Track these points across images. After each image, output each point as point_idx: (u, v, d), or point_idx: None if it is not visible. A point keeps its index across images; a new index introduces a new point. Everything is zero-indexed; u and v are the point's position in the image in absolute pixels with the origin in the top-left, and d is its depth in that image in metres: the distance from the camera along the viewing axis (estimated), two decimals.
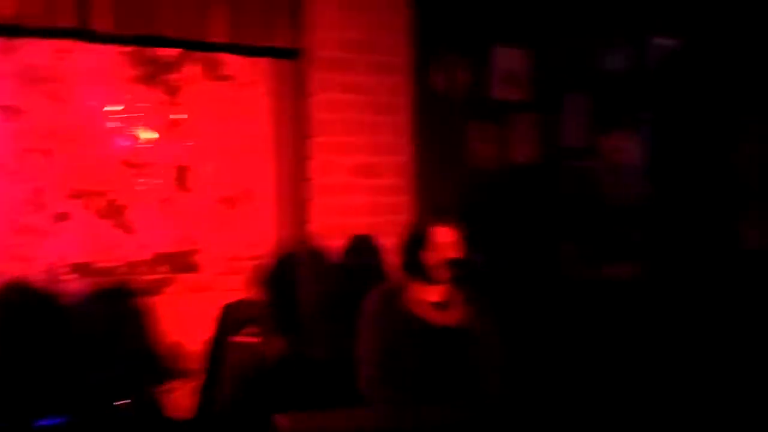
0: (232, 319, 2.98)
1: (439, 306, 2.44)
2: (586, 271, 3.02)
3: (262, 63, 3.22)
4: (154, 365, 2.93)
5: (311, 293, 3.14)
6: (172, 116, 3.07)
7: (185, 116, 3.09)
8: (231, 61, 3.17)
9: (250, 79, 3.21)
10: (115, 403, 2.55)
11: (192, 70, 3.10)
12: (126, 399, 2.61)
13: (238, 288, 3.17)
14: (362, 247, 3.21)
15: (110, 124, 2.97)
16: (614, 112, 3.86)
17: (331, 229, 3.15)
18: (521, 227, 3.58)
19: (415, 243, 2.43)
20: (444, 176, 3.47)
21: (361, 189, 3.22)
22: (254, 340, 2.92)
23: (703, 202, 2.33)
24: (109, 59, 2.95)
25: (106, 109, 2.96)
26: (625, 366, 2.80)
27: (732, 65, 3.68)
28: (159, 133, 3.06)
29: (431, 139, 3.42)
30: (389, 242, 3.28)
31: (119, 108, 2.99)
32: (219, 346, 2.95)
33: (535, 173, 3.68)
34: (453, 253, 2.32)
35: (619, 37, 3.84)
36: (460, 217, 2.45)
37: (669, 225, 2.99)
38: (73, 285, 2.88)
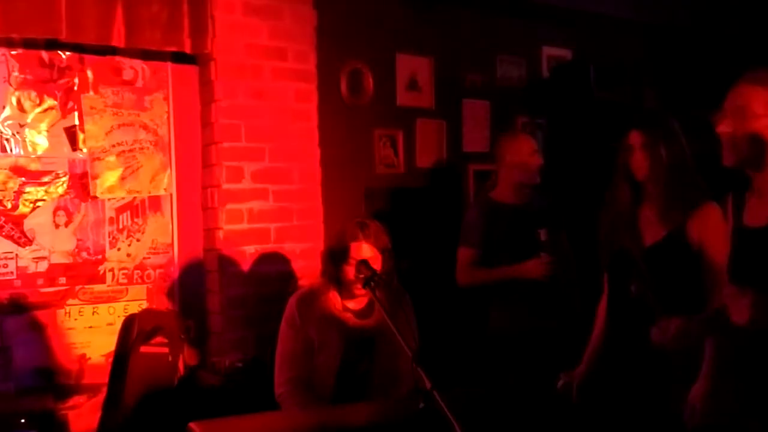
0: (137, 329, 2.89)
1: (360, 314, 2.49)
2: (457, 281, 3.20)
3: (164, 68, 3.16)
4: (56, 381, 2.80)
5: (221, 301, 3.10)
6: (66, 121, 2.95)
7: (82, 121, 2.98)
8: (130, 66, 3.08)
9: (150, 84, 3.14)
10: (19, 422, 2.41)
11: (89, 74, 2.99)
12: (24, 417, 2.47)
13: (145, 297, 3.09)
14: (272, 253, 3.21)
15: (6, 131, 2.82)
16: (512, 118, 4.07)
17: (241, 235, 3.13)
18: (430, 230, 3.70)
19: (335, 256, 2.45)
20: (352, 182, 3.53)
21: (269, 195, 3.22)
22: (162, 350, 2.85)
23: (592, 206, 2.52)
24: None
25: None
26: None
27: (613, 76, 4.00)
28: (53, 139, 2.93)
29: (339, 145, 3.48)
30: (298, 247, 3.32)
31: (9, 113, 2.84)
32: (123, 358, 2.86)
33: (440, 177, 3.81)
34: (367, 270, 2.34)
35: (516, 47, 4.07)
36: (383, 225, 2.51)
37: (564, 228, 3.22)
38: None
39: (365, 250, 2.40)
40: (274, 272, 3.19)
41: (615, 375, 2.38)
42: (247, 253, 3.14)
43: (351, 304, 2.48)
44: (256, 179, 3.18)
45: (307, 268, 3.21)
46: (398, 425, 2.14)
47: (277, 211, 3.23)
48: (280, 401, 2.42)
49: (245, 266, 3.14)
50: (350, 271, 2.38)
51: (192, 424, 2.07)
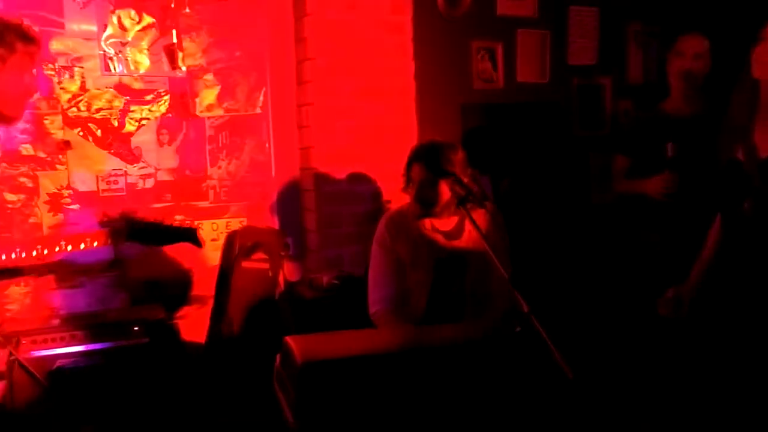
0: (239, 245, 2.99)
1: (449, 235, 2.44)
2: (611, 189, 3.01)
3: None
4: (166, 292, 2.97)
5: (317, 218, 3.14)
6: (165, 40, 2.97)
7: (180, 39, 2.99)
8: None
9: (245, 0, 3.10)
10: (134, 329, 2.58)
11: None
12: (141, 326, 2.65)
13: (245, 214, 3.17)
14: (366, 172, 3.19)
15: (104, 50, 2.89)
16: (624, 26, 3.74)
17: (334, 153, 3.11)
18: (531, 149, 3.54)
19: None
20: (447, 98, 3.40)
21: (363, 112, 3.16)
22: (263, 265, 2.94)
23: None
24: None
25: (98, 33, 2.87)
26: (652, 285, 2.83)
27: None
28: (153, 58, 2.96)
29: (434, 59, 3.33)
30: (392, 165, 3.26)
31: (111, 32, 2.90)
32: (227, 272, 2.98)
33: (543, 93, 3.60)
34: (461, 190, 2.27)
35: None
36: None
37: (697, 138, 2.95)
38: (79, 214, 2.88)
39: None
40: (368, 191, 3.18)
41: (726, 292, 2.23)
42: (341, 172, 3.13)
43: (440, 225, 2.44)
44: (349, 96, 3.12)
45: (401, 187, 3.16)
46: (493, 347, 2.11)
47: (370, 128, 3.17)
48: (374, 320, 2.46)
49: (340, 185, 3.14)
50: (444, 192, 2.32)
51: (288, 338, 2.14)
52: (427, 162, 2.38)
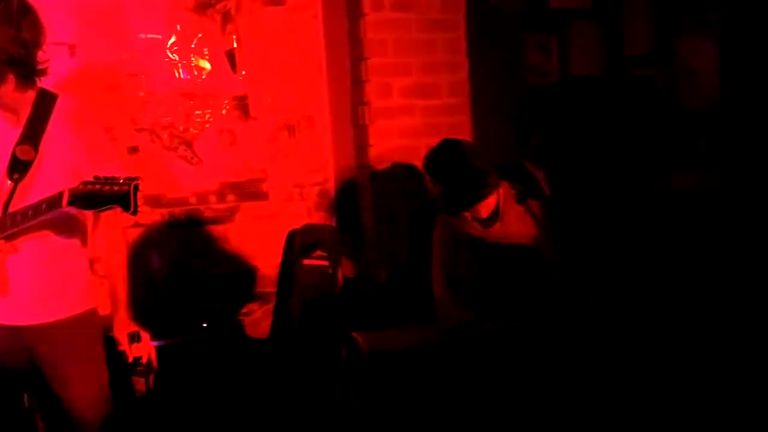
0: (299, 243, 3.06)
1: (488, 222, 2.45)
2: (655, 182, 2.95)
3: None
4: (230, 289, 3.07)
5: (373, 215, 3.19)
6: (226, 45, 3.09)
7: (240, 45, 3.10)
8: None
9: (301, 3, 3.17)
10: (202, 325, 2.69)
11: None
12: (208, 322, 2.75)
13: (304, 213, 3.25)
14: (420, 168, 3.21)
15: (168, 57, 3.01)
16: (680, 14, 3.66)
17: (391, 151, 3.15)
18: (585, 141, 3.50)
19: None
20: (502, 93, 3.40)
21: (417, 110, 3.19)
22: (322, 262, 3.01)
23: None
24: None
25: (162, 40, 2.99)
26: (692, 279, 2.77)
27: None
28: (215, 62, 3.08)
29: (487, 55, 3.34)
30: None
31: (175, 39, 3.02)
32: (288, 269, 3.06)
33: (598, 85, 3.55)
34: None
35: None
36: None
37: (743, 131, 2.87)
38: (147, 216, 3.00)
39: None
40: (425, 188, 3.20)
41: None
42: (397, 169, 3.17)
43: (478, 214, 2.43)
44: (404, 95, 3.16)
45: None
46: (547, 340, 2.12)
47: (425, 126, 3.19)
48: (436, 306, 2.50)
49: (396, 182, 3.18)
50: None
51: (354, 334, 2.20)
52: (466, 197, 2.38)
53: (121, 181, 1.58)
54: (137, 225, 2.92)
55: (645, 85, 3.50)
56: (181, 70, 3.03)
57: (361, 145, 3.24)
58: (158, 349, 2.71)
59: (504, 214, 2.42)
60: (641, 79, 3.57)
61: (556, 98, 3.48)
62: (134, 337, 1.93)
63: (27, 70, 1.77)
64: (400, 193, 3.18)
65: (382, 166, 3.16)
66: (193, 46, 3.03)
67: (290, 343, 2.94)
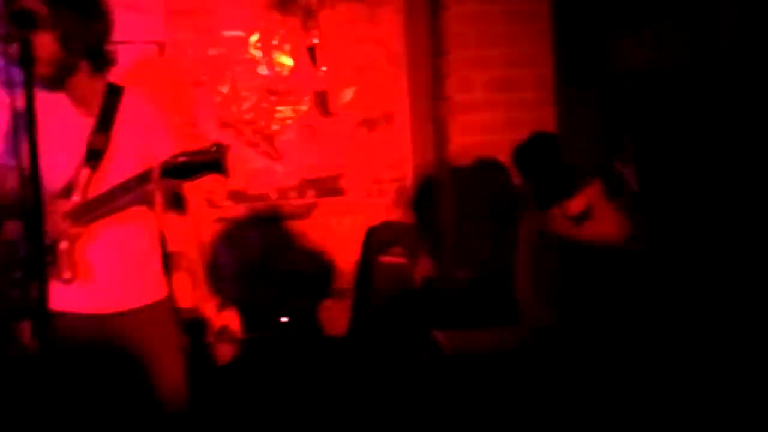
0: (377, 240, 3.04)
1: (578, 219, 2.34)
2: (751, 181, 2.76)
3: None
4: (309, 285, 3.08)
5: (453, 213, 3.13)
6: (307, 41, 3.09)
7: (321, 40, 3.10)
8: None
9: None
10: (281, 320, 2.71)
11: None
12: (287, 317, 2.77)
13: (382, 210, 3.22)
14: (504, 165, 3.13)
15: (251, 53, 3.04)
16: None
17: (472, 147, 3.08)
18: (677, 139, 3.32)
19: None
20: (589, 86, 3.26)
21: (500, 104, 3.10)
22: (400, 260, 2.97)
23: None
24: None
25: (245, 37, 3.03)
26: None
27: None
28: (297, 59, 3.10)
29: (573, 47, 3.21)
30: None
31: (258, 36, 3.05)
32: (366, 266, 3.04)
33: (692, 78, 3.36)
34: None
35: None
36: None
37: None
38: (229, 211, 3.05)
39: None
40: (507, 185, 3.12)
41: None
42: (479, 166, 3.10)
43: (569, 208, 2.33)
44: (486, 89, 3.07)
45: None
46: (641, 345, 2.01)
47: (508, 121, 3.10)
48: (520, 307, 2.42)
49: (478, 179, 3.10)
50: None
51: (436, 332, 2.16)
52: (559, 192, 2.30)
53: (212, 148, 1.61)
54: (220, 220, 2.98)
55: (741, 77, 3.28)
56: (263, 67, 3.06)
57: (441, 141, 3.18)
58: (244, 341, 2.77)
59: (596, 212, 2.33)
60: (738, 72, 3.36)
61: (648, 92, 3.32)
62: (220, 307, 1.96)
63: (99, 62, 1.83)
64: (480, 191, 3.10)
65: (462, 163, 3.09)
66: (275, 42, 3.06)
67: (368, 341, 2.93)
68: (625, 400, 1.94)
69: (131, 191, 1.74)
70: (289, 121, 3.10)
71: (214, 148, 1.61)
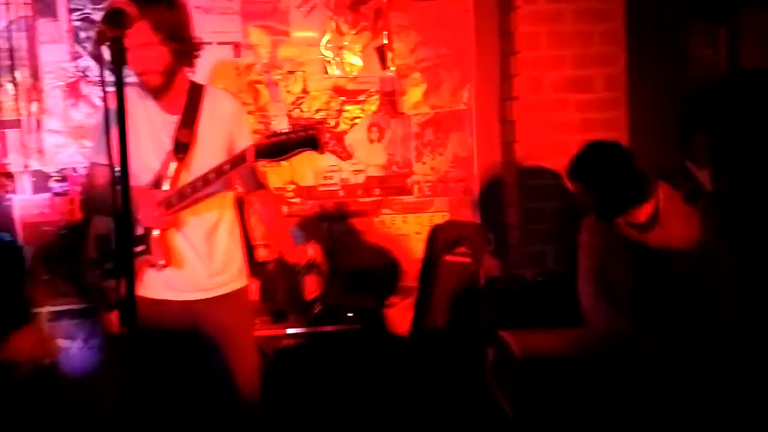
0: (442, 239, 3.05)
1: (645, 227, 2.29)
2: None
3: None
4: (374, 282, 3.12)
5: (519, 214, 3.10)
6: (377, 42, 3.13)
7: (390, 40, 3.13)
8: None
9: None
10: (348, 315, 2.76)
11: None
12: (352, 312, 2.82)
13: (447, 209, 3.23)
14: None
15: (322, 53, 3.11)
16: None
17: (540, 148, 3.05)
18: (756, 139, 3.20)
19: None
20: (663, 87, 3.18)
21: (570, 105, 3.06)
22: (465, 259, 2.97)
23: None
24: None
25: (317, 38, 3.09)
26: None
27: None
28: (366, 59, 3.14)
29: (647, 46, 3.13)
30: None
31: (329, 37, 3.11)
32: (431, 265, 3.06)
33: None
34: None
35: None
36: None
37: None
38: (299, 208, 3.13)
39: None
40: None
41: None
42: (546, 167, 3.07)
43: (634, 217, 2.30)
44: (555, 89, 3.04)
45: None
46: (707, 353, 1.95)
47: (578, 122, 3.05)
48: (584, 315, 2.38)
49: (543, 180, 3.07)
50: None
51: (503, 333, 2.14)
52: (622, 203, 2.25)
53: (307, 127, 1.70)
54: (291, 216, 3.05)
55: None
56: (334, 67, 3.11)
57: (508, 141, 3.16)
58: (310, 335, 2.83)
59: (664, 217, 2.27)
60: None
61: (724, 93, 3.20)
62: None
63: (188, 61, 1.97)
64: (548, 192, 3.06)
65: (529, 163, 3.06)
66: (346, 42, 3.11)
67: (431, 339, 2.94)
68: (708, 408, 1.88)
69: (225, 174, 1.85)
70: (357, 121, 3.15)
71: (311, 126, 1.69)
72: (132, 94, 1.97)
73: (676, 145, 3.14)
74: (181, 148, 1.95)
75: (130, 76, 2.32)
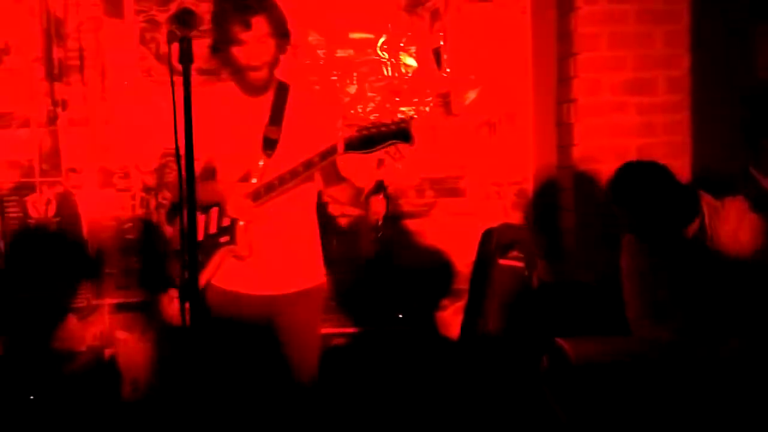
0: (495, 242, 3.02)
1: (692, 242, 2.23)
2: None
3: None
4: (424, 283, 3.11)
5: (575, 218, 3.05)
6: (433, 43, 3.13)
7: (446, 42, 3.12)
8: None
9: None
10: (398, 316, 2.76)
11: None
12: (402, 314, 2.82)
13: (501, 212, 3.20)
14: None
15: (378, 54, 3.12)
16: None
17: (598, 151, 2.98)
18: None
19: None
20: (728, 90, 3.07)
21: (630, 107, 2.99)
22: (518, 263, 2.93)
23: None
24: None
25: (373, 39, 3.10)
26: None
27: None
28: (422, 60, 3.14)
29: (712, 48, 3.03)
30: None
31: (385, 38, 3.12)
32: (483, 268, 3.03)
33: None
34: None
35: None
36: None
37: None
38: (350, 208, 3.14)
39: None
40: None
41: None
42: (603, 171, 3.00)
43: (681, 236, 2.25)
44: (616, 91, 2.97)
45: None
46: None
47: (639, 125, 2.98)
48: (631, 327, 2.32)
49: (601, 185, 3.00)
50: None
51: (559, 340, 2.12)
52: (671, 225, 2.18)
53: (398, 119, 1.73)
54: (342, 215, 3.07)
55: None
56: (389, 68, 3.13)
57: (565, 144, 3.11)
58: (354, 335, 2.84)
59: (717, 227, 2.19)
60: None
61: None
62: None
63: (277, 60, 2.01)
64: (605, 197, 3.00)
65: (586, 167, 3.00)
66: (401, 44, 3.12)
67: (481, 344, 2.91)
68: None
69: (314, 167, 1.90)
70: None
71: (399, 119, 1.72)
72: (224, 91, 2.07)
73: (741, 150, 3.03)
74: (270, 144, 2.00)
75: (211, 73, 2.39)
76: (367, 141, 1.73)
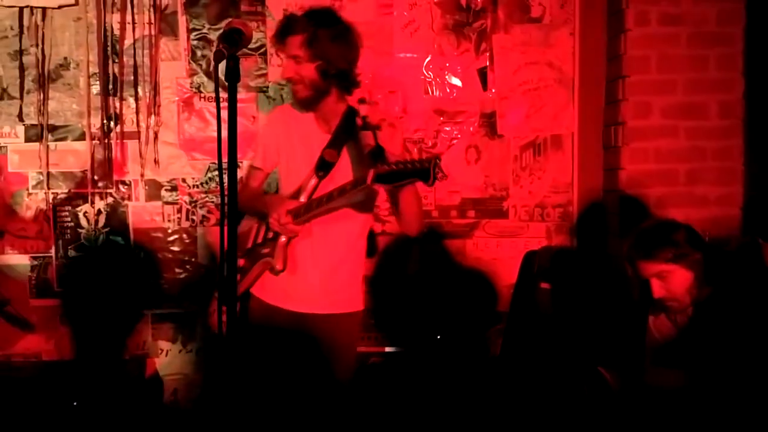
0: (537, 265, 2.97)
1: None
2: None
3: (572, 2, 3.09)
4: (464, 304, 3.08)
5: (621, 243, 2.97)
6: (478, 63, 3.12)
7: (492, 62, 3.11)
8: (539, 2, 3.09)
9: (557, 20, 3.10)
10: (436, 337, 2.73)
11: (501, 14, 3.09)
12: (440, 335, 2.79)
13: (543, 235, 3.15)
14: (681, 197, 2.93)
15: (424, 74, 3.13)
16: None
17: (646, 176, 2.92)
18: None
19: None
20: None
21: (680, 132, 2.92)
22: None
23: None
24: (424, 11, 3.09)
25: (419, 59, 3.11)
26: None
27: None
28: (467, 80, 3.13)
29: (767, 72, 2.94)
30: (713, 192, 2.96)
31: (430, 58, 3.13)
32: (524, 291, 2.98)
33: None
34: None
35: None
36: None
37: None
38: (392, 226, 3.14)
39: None
40: (683, 218, 2.91)
41: None
42: (651, 197, 2.93)
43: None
44: (665, 115, 2.91)
45: (723, 218, 2.86)
46: None
47: (688, 150, 2.91)
48: None
49: (649, 210, 2.93)
50: None
51: (603, 369, 2.07)
52: None
53: (424, 159, 1.80)
54: (383, 234, 3.07)
55: None
56: (434, 88, 3.13)
57: (612, 168, 3.05)
58: (391, 355, 2.82)
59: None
60: None
61: None
62: None
63: (347, 84, 2.05)
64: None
65: (633, 192, 2.94)
66: (447, 64, 3.12)
67: (522, 366, 2.86)
68: None
69: (346, 193, 1.94)
70: (455, 142, 3.14)
71: (427, 159, 1.79)
72: (292, 109, 2.15)
73: None
74: (324, 166, 2.04)
75: None
76: (394, 175, 1.80)
